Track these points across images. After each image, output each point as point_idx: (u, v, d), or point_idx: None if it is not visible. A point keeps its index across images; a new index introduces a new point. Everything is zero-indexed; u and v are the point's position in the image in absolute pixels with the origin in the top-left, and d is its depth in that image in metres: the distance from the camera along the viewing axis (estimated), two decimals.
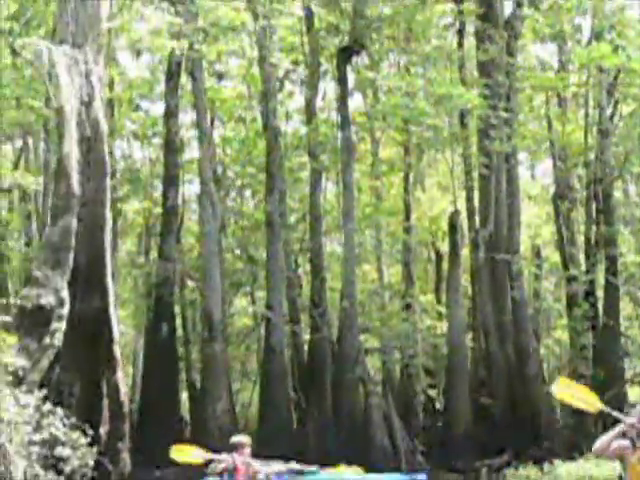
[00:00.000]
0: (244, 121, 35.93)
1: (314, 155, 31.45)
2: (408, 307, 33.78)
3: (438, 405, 34.38)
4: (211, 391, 28.56)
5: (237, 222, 36.88)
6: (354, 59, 30.69)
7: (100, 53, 21.14)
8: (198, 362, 31.81)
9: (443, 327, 34.08)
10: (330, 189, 37.79)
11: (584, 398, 9.03)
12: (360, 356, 29.83)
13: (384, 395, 30.15)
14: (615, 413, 8.63)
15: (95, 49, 20.67)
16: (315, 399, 29.23)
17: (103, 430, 20.59)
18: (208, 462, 14.07)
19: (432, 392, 34.99)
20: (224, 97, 35.27)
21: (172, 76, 31.23)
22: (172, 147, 31.73)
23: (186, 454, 14.73)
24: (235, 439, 14.06)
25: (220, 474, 13.75)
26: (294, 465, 15.14)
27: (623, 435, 8.60)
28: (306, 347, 30.97)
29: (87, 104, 20.25)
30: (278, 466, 14.73)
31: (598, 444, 8.58)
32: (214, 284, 29.16)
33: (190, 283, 35.04)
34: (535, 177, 44.81)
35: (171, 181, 31.55)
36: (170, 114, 31.47)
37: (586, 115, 35.22)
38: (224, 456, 13.78)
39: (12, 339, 16.77)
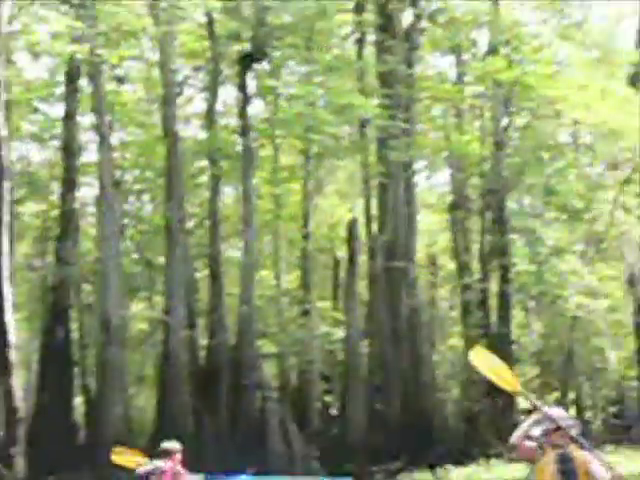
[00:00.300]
0: (144, 125, 35.87)
1: (214, 161, 31.68)
2: (306, 313, 34.11)
3: (334, 410, 34.88)
4: (107, 395, 28.49)
5: (135, 226, 36.85)
6: (255, 66, 30.93)
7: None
8: (94, 366, 31.71)
9: (340, 333, 34.51)
10: (229, 194, 37.98)
11: (502, 375, 8.69)
12: (257, 361, 30.21)
13: (281, 401, 30.51)
14: (532, 399, 8.57)
15: None
16: (212, 404, 29.39)
17: None
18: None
19: (328, 398, 35.48)
20: (124, 101, 35.15)
21: (72, 79, 31.14)
22: (71, 150, 31.64)
23: (124, 458, 14.74)
24: (166, 445, 14.09)
25: (145, 477, 13.91)
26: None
27: (529, 438, 8.64)
28: (204, 352, 31.13)
29: None
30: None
31: (516, 435, 8.61)
32: (111, 288, 29.07)
33: (87, 287, 34.90)
34: (432, 187, 45.63)
35: (69, 184, 31.47)
36: (69, 117, 31.39)
37: (482, 127, 36.21)
38: (159, 463, 13.96)
39: None
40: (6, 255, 21.68)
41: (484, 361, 8.84)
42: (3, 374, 20.79)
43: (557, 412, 8.75)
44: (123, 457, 14.51)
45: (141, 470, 13.32)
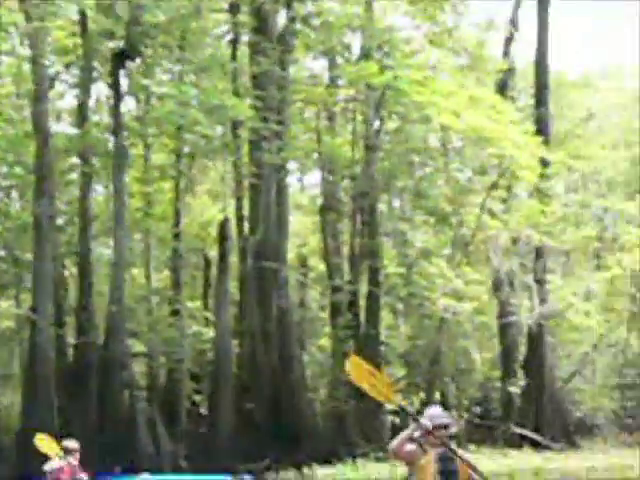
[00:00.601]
0: (12, 121, 35.37)
1: (85, 158, 31.55)
2: (176, 312, 34.24)
3: (203, 410, 35.04)
4: None
5: (2, 223, 36.35)
6: (128, 64, 30.87)
7: None
8: None
9: (210, 333, 34.73)
10: (100, 192, 37.80)
11: (377, 386, 8.64)
12: (127, 361, 30.21)
13: (149, 400, 30.62)
14: (411, 411, 8.74)
15: None
16: (80, 403, 29.38)
17: None
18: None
19: (197, 397, 35.63)
20: None
21: None
22: None
23: (46, 445, 15.06)
24: (67, 443, 14.26)
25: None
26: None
27: (411, 439, 8.73)
28: (72, 351, 31.00)
29: None
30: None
31: (394, 443, 8.54)
32: None
33: None
34: (304, 188, 46.18)
35: None
36: None
37: (354, 130, 36.79)
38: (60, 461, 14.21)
39: None
40: None
41: (359, 371, 8.81)
42: None
43: (434, 411, 8.92)
44: (45, 443, 14.84)
45: (49, 468, 13.95)
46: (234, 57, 33.44)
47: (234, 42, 33.84)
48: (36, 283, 29.93)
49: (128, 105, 34.65)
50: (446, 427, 8.68)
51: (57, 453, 14.18)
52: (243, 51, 34.28)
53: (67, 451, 14.07)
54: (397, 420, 37.31)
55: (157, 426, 29.60)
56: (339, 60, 36.26)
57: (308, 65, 38.46)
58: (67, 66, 33.65)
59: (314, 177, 44.69)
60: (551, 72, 42.17)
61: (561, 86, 46.36)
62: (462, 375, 39.10)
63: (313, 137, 38.07)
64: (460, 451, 8.64)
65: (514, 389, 37.02)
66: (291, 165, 39.00)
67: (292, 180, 41.26)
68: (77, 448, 14.10)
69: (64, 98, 36.00)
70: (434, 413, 8.81)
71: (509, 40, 41.07)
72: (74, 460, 14.03)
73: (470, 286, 35.36)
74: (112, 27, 29.61)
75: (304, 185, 47.59)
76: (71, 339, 31.49)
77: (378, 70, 32.16)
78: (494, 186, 36.12)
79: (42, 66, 29.88)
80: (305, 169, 44.65)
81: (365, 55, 34.12)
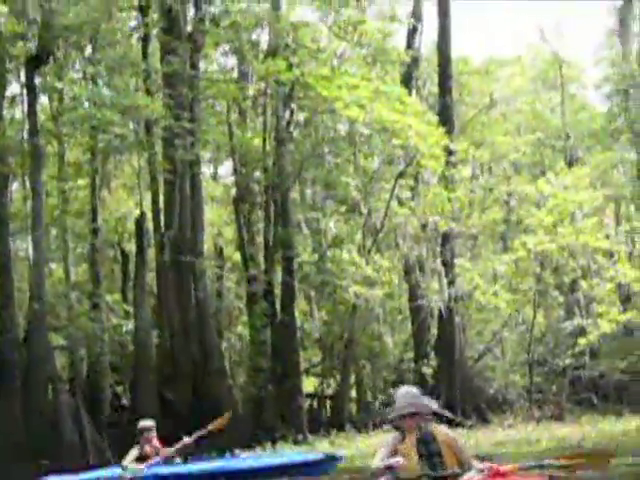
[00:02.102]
0: None
1: (1, 159, 32.39)
2: (95, 306, 35.21)
3: (125, 401, 36.09)
4: None
5: None
6: (42, 66, 31.62)
7: None
8: None
9: (130, 325, 35.78)
10: (15, 190, 38.51)
11: None
12: (49, 355, 31.20)
13: (72, 393, 31.56)
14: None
15: None
16: (4, 398, 30.03)
17: None
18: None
19: (119, 388, 36.67)
20: None
21: None
22: None
23: None
24: (143, 423, 17.27)
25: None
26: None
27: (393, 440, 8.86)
28: None
29: None
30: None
31: (379, 466, 8.73)
32: None
33: None
34: (218, 179, 47.32)
35: None
36: None
37: (264, 123, 38.04)
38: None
39: None
40: None
41: None
42: None
43: (408, 394, 9.08)
44: None
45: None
46: (145, 56, 34.36)
47: (144, 42, 34.67)
48: None
49: (41, 103, 35.34)
50: (429, 414, 8.93)
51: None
52: (154, 50, 35.28)
53: (143, 431, 16.76)
54: (315, 403, 39.16)
55: (81, 418, 30.55)
56: (248, 56, 37.32)
57: (218, 61, 39.66)
58: None
59: (227, 167, 45.98)
60: (455, 60, 44.00)
61: (464, 74, 48.22)
62: (376, 358, 40.58)
63: (225, 131, 39.27)
64: (440, 428, 8.98)
65: (426, 369, 38.60)
66: (205, 157, 40.12)
67: (205, 170, 42.26)
68: (151, 426, 17.10)
69: None
70: (402, 401, 8.99)
71: (413, 31, 42.87)
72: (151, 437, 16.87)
73: (381, 272, 37.02)
74: (24, 30, 30.53)
75: (218, 175, 48.85)
76: None
77: (286, 67, 33.48)
78: (401, 175, 37.75)
79: None
80: (218, 161, 45.81)
81: (273, 52, 35.38)
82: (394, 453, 8.71)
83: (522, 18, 78.16)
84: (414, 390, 9.13)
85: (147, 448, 17.38)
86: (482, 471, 8.64)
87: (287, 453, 20.63)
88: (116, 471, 17.84)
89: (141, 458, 17.31)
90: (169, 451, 17.66)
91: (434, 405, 9.08)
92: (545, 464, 8.91)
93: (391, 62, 41.43)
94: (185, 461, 17.86)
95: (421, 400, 8.99)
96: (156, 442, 17.48)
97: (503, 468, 8.74)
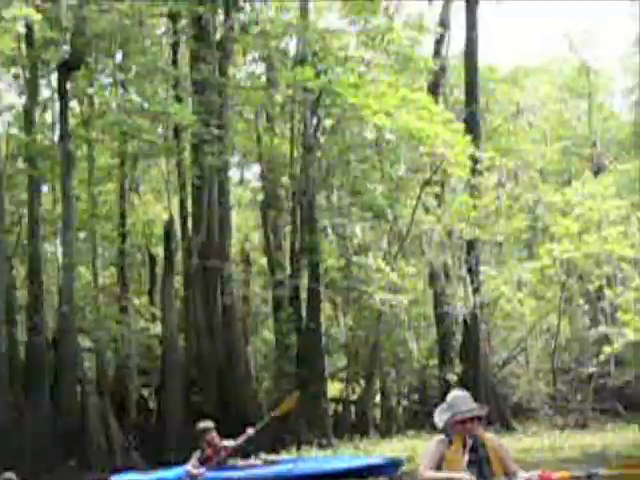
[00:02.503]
0: None
1: (33, 163, 32.96)
2: (123, 309, 35.72)
3: (151, 403, 36.56)
4: None
5: None
6: (73, 72, 32.21)
7: None
8: None
9: (157, 329, 36.26)
10: (45, 193, 39.03)
11: None
12: (77, 357, 31.75)
13: (100, 394, 32.04)
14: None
15: None
16: (33, 400, 30.65)
17: None
18: None
19: (145, 391, 37.13)
20: None
21: None
22: None
23: None
24: (201, 424, 17.79)
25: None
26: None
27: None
28: (24, 349, 32.29)
29: None
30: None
31: (426, 475, 8.24)
32: None
33: None
34: (245, 184, 47.73)
35: None
36: None
37: (292, 130, 38.46)
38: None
39: None
40: None
41: None
42: None
43: (462, 398, 8.55)
44: None
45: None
46: (175, 63, 35.00)
47: (174, 48, 35.31)
48: None
49: (72, 110, 35.90)
50: (479, 419, 8.46)
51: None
52: (183, 56, 35.79)
53: (203, 431, 17.41)
54: (340, 408, 39.48)
55: (108, 419, 31.07)
56: (276, 65, 37.76)
57: (247, 68, 40.13)
58: (16, 77, 35.06)
59: (254, 172, 46.41)
60: (482, 68, 44.35)
61: (491, 82, 48.56)
62: (401, 364, 40.77)
63: (253, 137, 39.74)
64: (488, 434, 8.61)
65: (451, 376, 38.63)
66: (232, 160, 40.54)
67: (233, 176, 42.67)
68: (210, 427, 17.49)
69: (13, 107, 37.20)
70: (463, 405, 8.47)
71: (440, 40, 43.20)
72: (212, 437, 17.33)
73: (406, 279, 37.33)
74: (57, 37, 31.12)
75: (245, 179, 49.27)
76: (22, 337, 32.70)
77: (314, 74, 33.89)
78: (427, 182, 38.07)
79: None
80: (245, 165, 46.27)
81: (301, 60, 35.80)
82: (442, 460, 8.27)
83: (551, 25, 78.39)
84: (468, 393, 8.66)
85: (209, 450, 17.80)
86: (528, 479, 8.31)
87: (348, 457, 20.81)
88: (178, 471, 18.38)
89: (204, 460, 17.74)
90: (233, 445, 18.13)
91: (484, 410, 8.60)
92: (598, 472, 8.38)
93: (418, 70, 41.70)
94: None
95: (481, 408, 8.58)
96: (218, 441, 17.90)
97: (554, 475, 8.37)
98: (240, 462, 18.54)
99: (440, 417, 8.53)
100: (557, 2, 64.88)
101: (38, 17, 28.07)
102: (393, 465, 18.44)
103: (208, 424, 18.02)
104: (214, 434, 17.85)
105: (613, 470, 8.55)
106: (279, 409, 20.64)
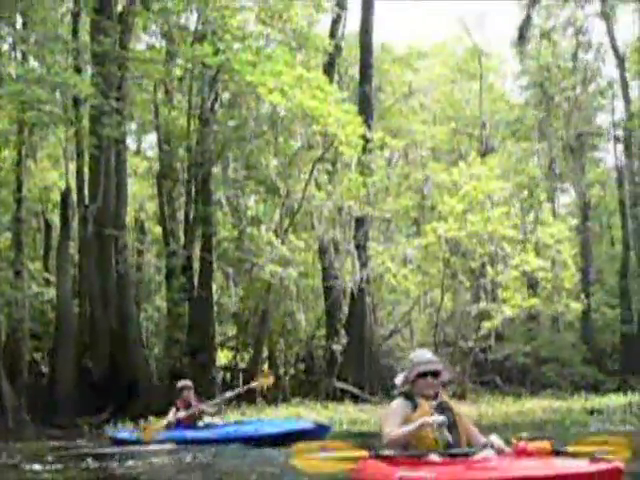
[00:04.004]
0: None
1: None
2: (17, 274, 36.21)
3: (43, 367, 37.20)
4: None
5: None
6: None
7: None
8: None
9: (51, 294, 36.88)
10: None
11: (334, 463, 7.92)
12: None
13: None
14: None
15: None
16: None
17: None
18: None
19: (38, 355, 37.70)
20: None
21: None
22: None
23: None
24: (180, 383, 19.57)
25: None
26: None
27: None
28: None
29: None
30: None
31: (391, 436, 8.01)
32: None
33: None
34: (141, 153, 48.45)
35: None
36: None
37: (189, 103, 39.31)
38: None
39: None
40: None
41: (310, 458, 7.83)
42: None
43: (422, 355, 8.25)
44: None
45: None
46: (75, 35, 35.43)
47: (75, 19, 35.75)
48: None
49: None
50: (436, 374, 8.09)
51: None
52: (84, 28, 36.34)
53: (181, 389, 18.94)
54: (229, 376, 40.70)
55: (0, 380, 31.65)
56: (177, 40, 38.52)
57: (147, 41, 40.86)
58: None
59: (150, 142, 47.14)
60: (376, 48, 45.79)
61: (385, 62, 50.04)
62: (289, 333, 42.30)
63: (151, 108, 40.52)
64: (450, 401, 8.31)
65: (337, 347, 40.42)
66: (129, 128, 41.21)
67: (129, 144, 43.19)
68: (190, 386, 19.14)
69: None
70: (423, 357, 8.20)
71: (337, 19, 44.52)
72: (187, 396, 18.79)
73: (296, 252, 38.63)
74: None
75: (142, 149, 50.00)
76: None
77: (212, 52, 34.83)
78: (319, 159, 39.34)
79: None
80: (141, 134, 46.94)
81: (200, 38, 36.71)
82: (406, 423, 7.98)
83: (446, 8, 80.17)
84: (429, 351, 8.45)
85: (181, 405, 19.35)
86: (496, 449, 7.89)
87: (279, 422, 21.83)
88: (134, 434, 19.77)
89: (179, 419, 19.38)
90: (208, 405, 19.71)
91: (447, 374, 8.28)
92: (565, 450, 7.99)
93: (315, 49, 42.79)
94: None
95: (440, 364, 8.27)
96: (192, 400, 19.48)
97: (530, 446, 7.78)
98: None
99: (400, 378, 8.41)
100: None
101: None
102: (323, 430, 19.44)
103: (187, 383, 19.72)
104: (191, 393, 19.53)
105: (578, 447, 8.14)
106: (256, 382, 22.12)
